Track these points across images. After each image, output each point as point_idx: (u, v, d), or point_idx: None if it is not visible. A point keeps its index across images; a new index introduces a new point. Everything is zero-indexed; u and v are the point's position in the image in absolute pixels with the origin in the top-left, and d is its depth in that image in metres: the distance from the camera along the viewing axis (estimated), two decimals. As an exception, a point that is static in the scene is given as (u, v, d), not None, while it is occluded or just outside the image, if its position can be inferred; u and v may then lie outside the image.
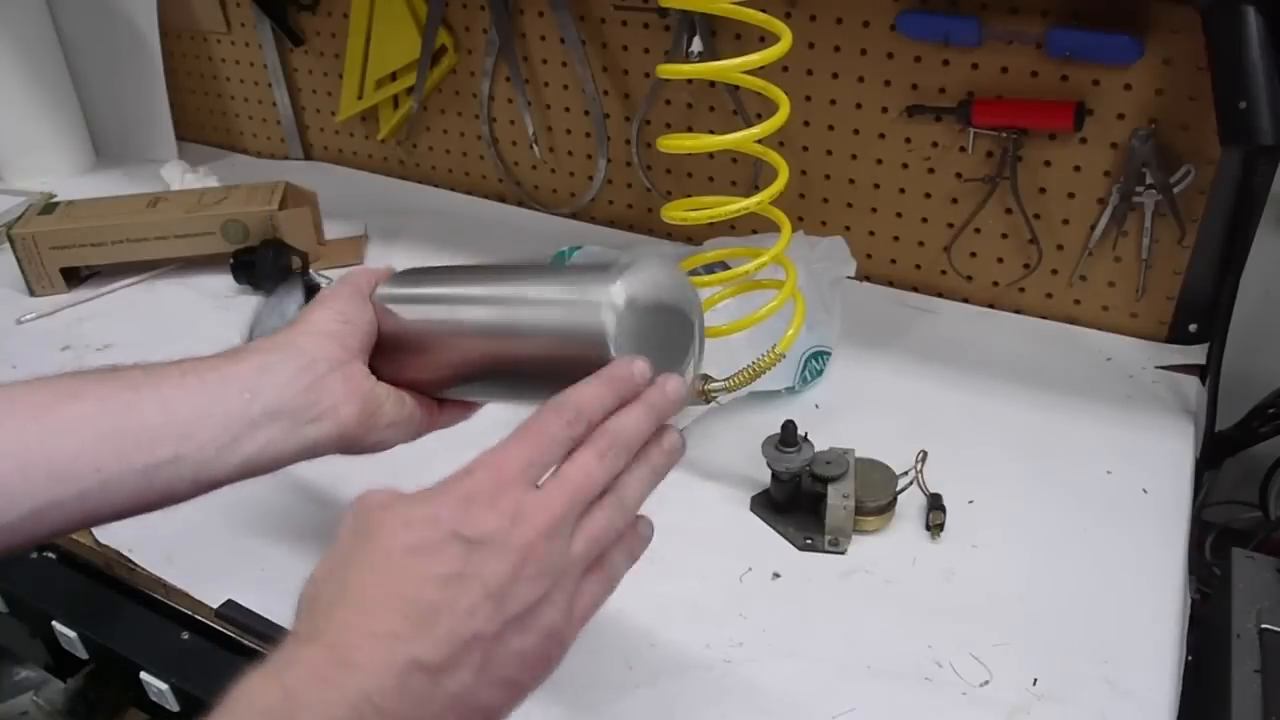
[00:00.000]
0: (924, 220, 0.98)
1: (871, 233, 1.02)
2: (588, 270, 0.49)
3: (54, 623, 0.74)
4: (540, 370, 0.49)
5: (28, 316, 1.03)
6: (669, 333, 0.49)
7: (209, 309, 1.03)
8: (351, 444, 0.53)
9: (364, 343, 0.54)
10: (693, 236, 1.08)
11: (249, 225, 1.06)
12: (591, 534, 0.42)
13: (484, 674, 0.38)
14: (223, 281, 1.06)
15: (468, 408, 0.60)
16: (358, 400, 0.52)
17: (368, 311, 0.55)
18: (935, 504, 0.71)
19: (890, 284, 1.03)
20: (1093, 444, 0.78)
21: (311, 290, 0.62)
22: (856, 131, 0.97)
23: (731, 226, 1.00)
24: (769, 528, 0.71)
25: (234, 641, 0.67)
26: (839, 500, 0.68)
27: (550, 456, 0.42)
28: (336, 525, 0.41)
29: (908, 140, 0.95)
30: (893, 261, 1.02)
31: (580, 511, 0.42)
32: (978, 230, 0.96)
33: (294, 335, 0.53)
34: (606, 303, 0.46)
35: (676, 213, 0.70)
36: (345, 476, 0.78)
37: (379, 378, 0.55)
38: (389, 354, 0.56)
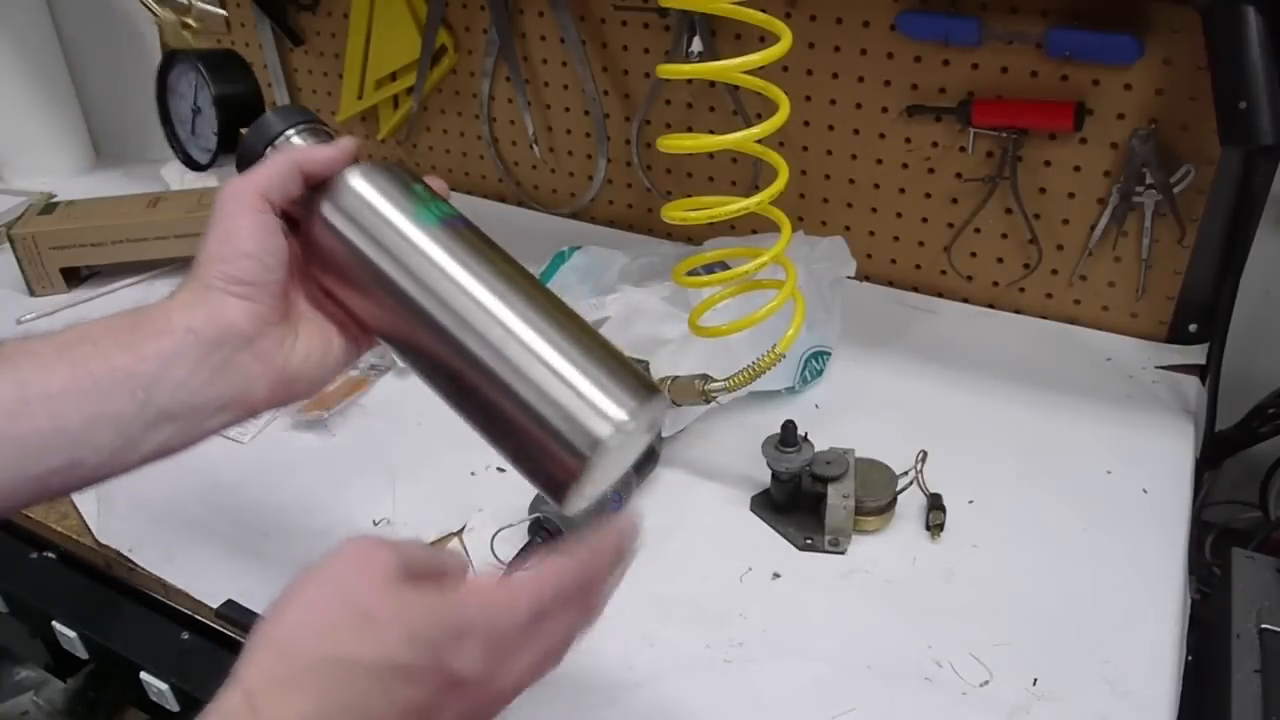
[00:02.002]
0: (924, 220, 0.98)
1: (871, 233, 1.02)
2: (606, 374, 0.45)
3: (54, 623, 0.74)
4: (492, 425, 0.46)
5: (28, 316, 1.03)
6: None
7: (209, 309, 1.03)
8: (268, 410, 0.50)
9: (279, 292, 0.47)
10: (693, 236, 1.08)
11: (249, 225, 1.06)
12: (532, 683, 0.43)
13: None
14: (223, 281, 1.06)
15: None
16: (271, 380, 0.47)
17: (281, 242, 0.47)
18: (935, 504, 0.71)
19: (890, 284, 1.03)
20: (1093, 444, 0.78)
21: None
22: (856, 131, 0.97)
23: (731, 226, 1.00)
24: (769, 528, 0.71)
25: (234, 641, 0.67)
26: (839, 500, 0.68)
27: (553, 603, 0.42)
28: (329, 557, 0.40)
29: (908, 140, 0.95)
30: (893, 261, 1.02)
31: (541, 664, 0.43)
32: (978, 230, 0.96)
33: (192, 307, 0.46)
34: (608, 438, 0.43)
35: (676, 213, 0.70)
36: (346, 480, 0.79)
37: (320, 292, 0.49)
38: (321, 272, 0.49)
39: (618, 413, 0.44)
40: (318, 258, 0.48)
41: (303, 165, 0.47)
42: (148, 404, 0.44)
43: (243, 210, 0.46)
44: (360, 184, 0.48)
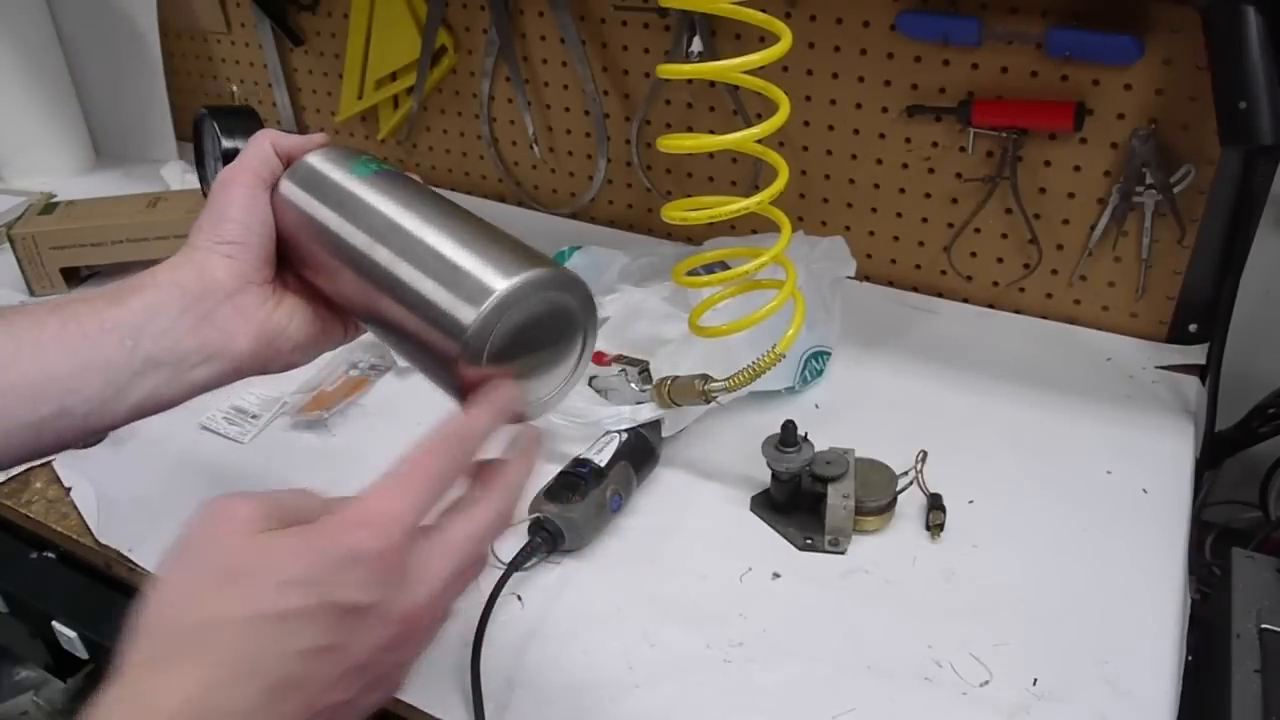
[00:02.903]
0: (924, 220, 0.98)
1: (871, 233, 1.02)
2: (476, 264, 0.45)
3: (54, 623, 0.74)
4: (405, 343, 0.47)
5: (28, 316, 1.03)
6: (545, 335, 0.47)
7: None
8: (254, 372, 0.51)
9: (263, 256, 0.51)
10: (693, 236, 1.08)
11: (249, 225, 1.06)
12: (460, 591, 0.41)
13: None
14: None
15: None
16: (252, 333, 0.50)
17: (267, 212, 0.51)
18: (935, 504, 0.71)
19: (890, 284, 1.03)
20: (1093, 444, 0.78)
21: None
22: (856, 131, 0.97)
23: (731, 226, 1.00)
24: (769, 528, 0.71)
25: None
26: (839, 500, 0.68)
27: (436, 497, 0.40)
28: (186, 525, 0.38)
29: (908, 140, 0.95)
30: (893, 261, 1.02)
31: (459, 573, 0.40)
32: (978, 230, 0.96)
33: (180, 265, 0.49)
34: (473, 324, 0.43)
35: (676, 213, 0.70)
36: (346, 480, 0.78)
37: (289, 269, 0.51)
38: (292, 251, 0.52)
39: (496, 282, 0.43)
40: (283, 233, 0.52)
41: (276, 144, 0.52)
42: (135, 351, 0.47)
43: (233, 184, 0.51)
44: (313, 157, 0.53)
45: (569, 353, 0.48)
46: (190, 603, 0.35)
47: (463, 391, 0.45)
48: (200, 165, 0.63)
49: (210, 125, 0.60)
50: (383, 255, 0.47)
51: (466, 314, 0.43)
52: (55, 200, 1.12)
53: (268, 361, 0.51)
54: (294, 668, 0.35)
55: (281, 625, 0.35)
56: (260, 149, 0.52)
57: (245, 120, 0.60)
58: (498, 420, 0.43)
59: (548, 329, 0.46)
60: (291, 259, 0.52)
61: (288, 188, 0.52)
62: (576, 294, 0.47)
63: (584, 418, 0.75)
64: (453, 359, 0.43)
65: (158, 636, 0.35)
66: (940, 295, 1.01)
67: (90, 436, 0.48)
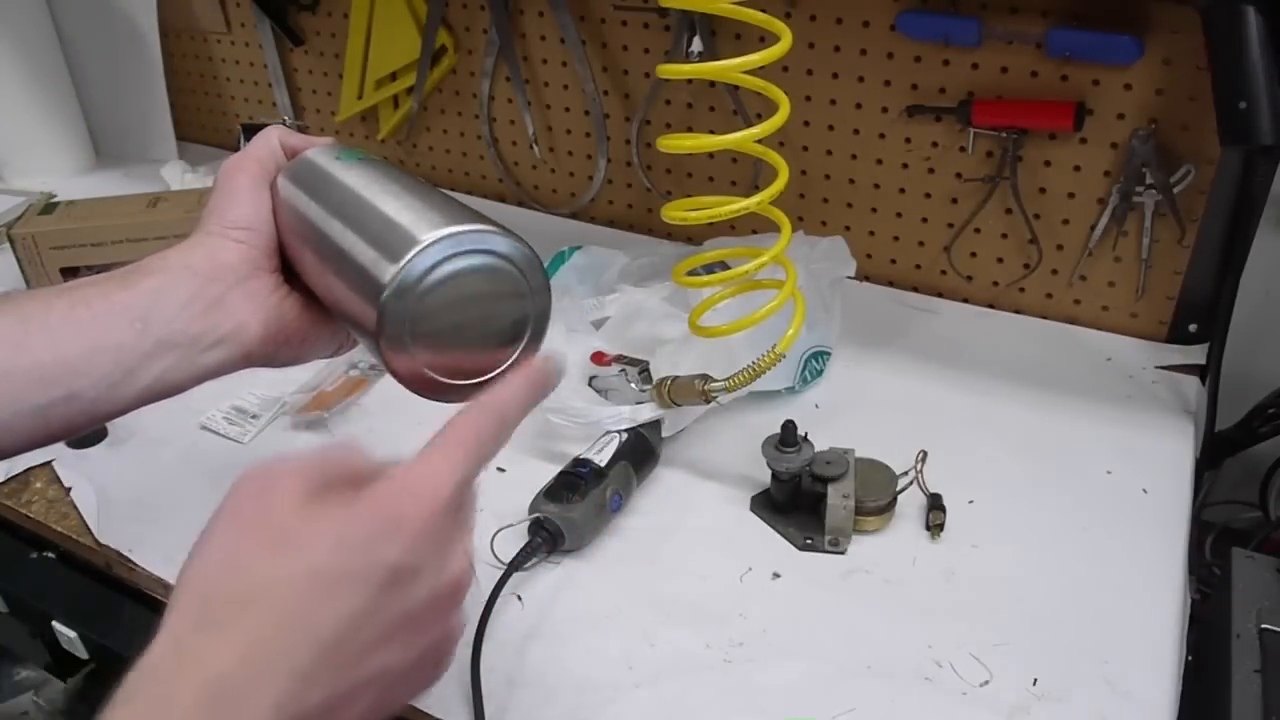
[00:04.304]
0: (924, 220, 0.98)
1: (871, 233, 1.02)
2: (409, 220, 0.44)
3: (54, 623, 0.74)
4: (349, 322, 0.46)
5: (28, 316, 1.03)
6: (483, 301, 0.44)
7: (209, 309, 1.03)
8: (262, 362, 0.51)
9: (271, 244, 0.51)
10: (693, 236, 1.08)
11: (249, 225, 1.06)
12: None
13: (382, 696, 0.37)
14: (223, 281, 1.06)
15: None
16: (262, 320, 0.49)
17: (269, 203, 0.51)
18: (935, 504, 0.71)
19: (890, 284, 1.03)
20: (1093, 444, 0.78)
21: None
22: (856, 131, 0.97)
23: (731, 226, 1.00)
24: (769, 528, 0.71)
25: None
26: (839, 500, 0.68)
27: (478, 465, 0.40)
28: (232, 494, 0.37)
29: (908, 140, 0.95)
30: (893, 261, 1.02)
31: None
32: (978, 230, 0.96)
33: (191, 249, 0.49)
34: (392, 284, 0.41)
35: (676, 213, 0.70)
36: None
37: (292, 271, 0.51)
38: (285, 246, 0.51)
39: (425, 233, 0.42)
40: (278, 228, 0.51)
41: (283, 140, 0.53)
42: (145, 334, 0.46)
43: (240, 172, 0.51)
44: (308, 153, 0.53)
45: (511, 322, 0.45)
46: (240, 566, 0.35)
47: (397, 374, 0.43)
48: None
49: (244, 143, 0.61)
50: (333, 228, 0.46)
51: (385, 269, 0.41)
52: (55, 200, 1.12)
53: (275, 350, 0.51)
54: (346, 628, 0.35)
55: (335, 585, 0.35)
56: (267, 141, 0.53)
57: None
58: (536, 393, 0.43)
59: (485, 294, 0.44)
60: (288, 256, 0.52)
61: (281, 183, 0.52)
62: (516, 255, 0.44)
63: (584, 418, 0.75)
64: (372, 332, 0.42)
65: (206, 601, 0.35)
66: (940, 295, 1.01)
67: (96, 422, 0.47)
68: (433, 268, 0.42)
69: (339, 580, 0.35)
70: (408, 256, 0.41)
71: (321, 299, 0.50)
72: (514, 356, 0.46)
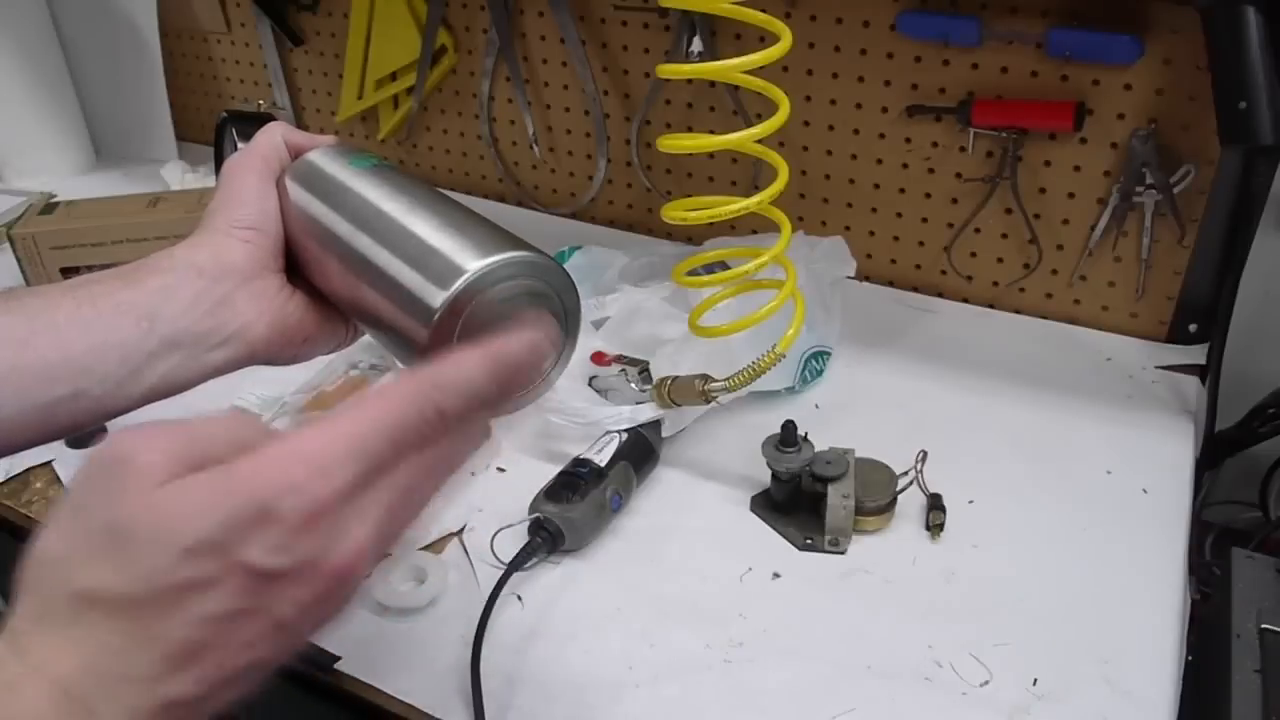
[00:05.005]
0: (924, 220, 0.98)
1: (871, 233, 1.02)
2: (451, 246, 0.45)
3: (54, 623, 0.74)
4: (384, 332, 0.46)
5: (28, 316, 1.03)
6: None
7: (209, 309, 1.03)
8: (266, 360, 0.50)
9: (277, 244, 0.51)
10: (693, 236, 1.08)
11: (249, 225, 1.06)
12: (396, 535, 0.36)
13: (247, 682, 0.33)
14: (223, 281, 1.06)
15: None
16: (268, 319, 0.49)
17: (276, 202, 0.51)
18: (935, 504, 0.71)
19: (890, 284, 1.03)
20: (1093, 444, 0.78)
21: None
22: (856, 131, 0.97)
23: (731, 226, 1.00)
24: (769, 528, 0.71)
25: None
26: (839, 500, 0.68)
27: (387, 453, 0.34)
28: (86, 464, 0.32)
29: (908, 140, 0.95)
30: (893, 261, 1.02)
31: (392, 517, 0.35)
32: (978, 230, 0.96)
33: (197, 248, 0.49)
34: (443, 302, 0.42)
35: (676, 213, 0.70)
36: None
37: (298, 270, 0.51)
38: (291, 245, 0.51)
39: (469, 262, 0.43)
40: (288, 229, 0.51)
41: (286, 136, 0.53)
42: (151, 332, 0.46)
43: (247, 170, 0.51)
44: (314, 154, 0.53)
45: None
46: (69, 567, 0.31)
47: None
48: (220, 167, 0.64)
49: (230, 130, 0.61)
50: (363, 243, 0.47)
51: (434, 296, 0.42)
52: (55, 200, 1.12)
53: (280, 350, 0.51)
54: (200, 634, 0.31)
55: (183, 595, 0.31)
56: (271, 138, 0.52)
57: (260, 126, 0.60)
58: (496, 376, 0.36)
59: (522, 311, 0.45)
60: (292, 254, 0.52)
61: (288, 182, 0.52)
62: (554, 280, 0.45)
63: (584, 418, 0.75)
64: (421, 346, 0.43)
65: (42, 597, 0.31)
66: (940, 295, 1.01)
67: (100, 420, 0.47)
68: (479, 292, 0.43)
69: (188, 589, 0.31)
70: (457, 285, 0.43)
71: (344, 305, 0.50)
72: (550, 369, 0.48)
